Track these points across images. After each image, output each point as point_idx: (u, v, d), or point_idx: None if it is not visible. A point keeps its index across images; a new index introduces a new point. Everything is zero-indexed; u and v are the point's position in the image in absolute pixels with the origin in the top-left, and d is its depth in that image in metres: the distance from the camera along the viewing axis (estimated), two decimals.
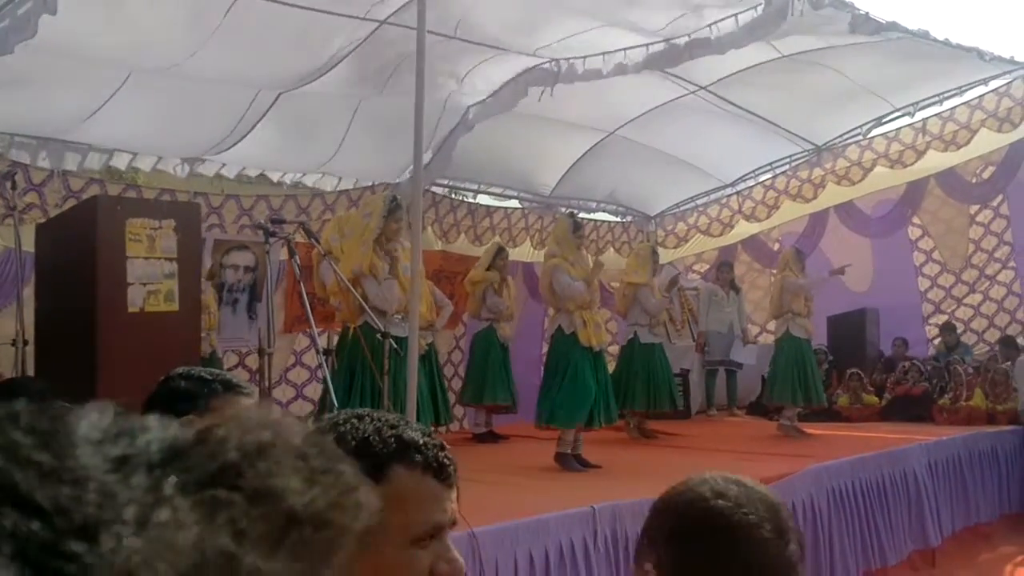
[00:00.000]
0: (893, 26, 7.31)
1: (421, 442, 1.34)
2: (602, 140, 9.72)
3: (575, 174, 10.24)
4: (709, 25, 6.73)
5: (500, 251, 8.81)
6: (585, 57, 7.26)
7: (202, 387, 2.13)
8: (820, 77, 8.56)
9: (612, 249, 11.40)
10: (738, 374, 10.29)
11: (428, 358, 7.56)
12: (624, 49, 7.13)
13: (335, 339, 6.40)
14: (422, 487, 1.33)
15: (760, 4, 6.27)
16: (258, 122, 7.35)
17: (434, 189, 9.51)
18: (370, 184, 8.87)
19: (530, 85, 7.59)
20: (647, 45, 7.07)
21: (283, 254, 6.14)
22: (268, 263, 5.23)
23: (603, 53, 7.18)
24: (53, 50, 5.49)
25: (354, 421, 1.35)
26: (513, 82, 7.72)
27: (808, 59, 8.17)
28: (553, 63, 7.43)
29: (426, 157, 7.66)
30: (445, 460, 1.35)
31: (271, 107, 7.27)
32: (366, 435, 1.33)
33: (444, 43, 6.50)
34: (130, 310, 4.59)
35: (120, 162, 7.37)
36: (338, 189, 8.79)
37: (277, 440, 0.45)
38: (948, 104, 9.78)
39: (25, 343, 5.15)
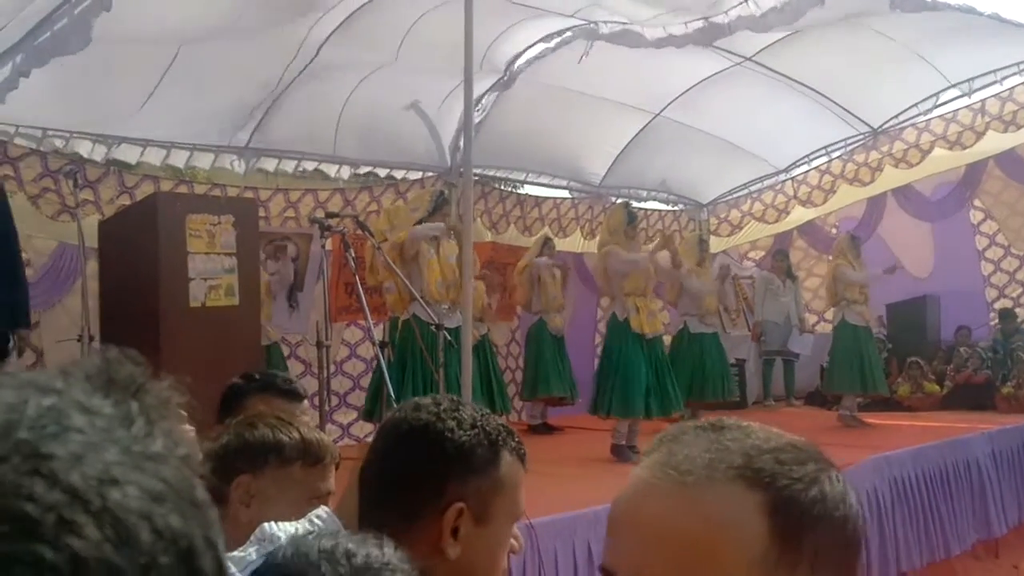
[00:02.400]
0: (936, 5, 7.10)
1: (511, 431, 1.47)
2: (649, 123, 9.62)
3: (624, 162, 10.17)
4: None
5: (547, 241, 8.80)
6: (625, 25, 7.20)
7: (244, 387, 2.20)
8: (869, 42, 8.34)
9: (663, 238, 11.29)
10: (796, 364, 10.16)
11: (482, 349, 7.59)
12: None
13: (387, 330, 6.45)
14: (519, 472, 1.46)
15: None
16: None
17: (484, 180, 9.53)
18: (419, 177, 8.91)
19: (570, 41, 7.54)
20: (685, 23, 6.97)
21: (328, 245, 6.22)
22: (323, 256, 5.27)
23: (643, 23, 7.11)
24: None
25: (460, 408, 1.45)
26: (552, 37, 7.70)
27: (855, 20, 7.93)
28: (593, 24, 7.39)
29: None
30: (525, 450, 1.48)
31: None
32: (478, 422, 1.44)
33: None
34: (192, 305, 4.66)
35: (178, 159, 7.47)
36: (386, 181, 8.85)
37: None
38: (1007, 84, 9.54)
39: (91, 339, 5.25)
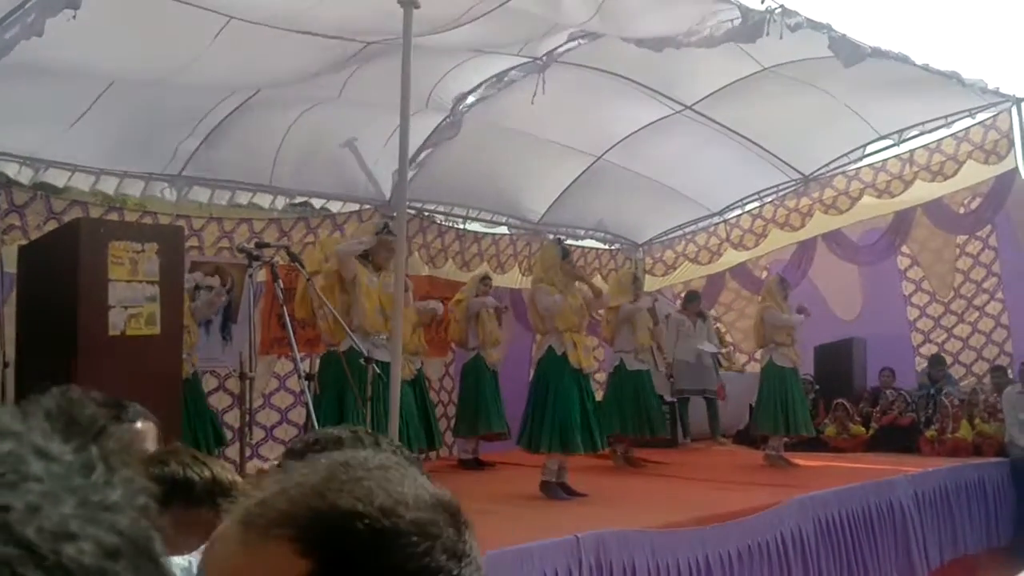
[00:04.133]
0: (875, 53, 7.27)
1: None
2: (591, 166, 9.74)
3: (564, 201, 10.27)
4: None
5: (484, 278, 8.83)
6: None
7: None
8: (803, 95, 8.56)
9: (599, 276, 11.40)
10: (718, 403, 10.24)
11: (417, 383, 7.51)
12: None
13: (317, 363, 6.36)
14: None
15: (736, 18, 6.22)
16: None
17: (423, 215, 9.52)
18: (356, 209, 8.86)
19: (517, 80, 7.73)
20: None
21: (262, 276, 6.08)
22: (251, 287, 5.19)
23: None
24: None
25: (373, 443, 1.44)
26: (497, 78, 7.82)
27: (790, 72, 8.14)
28: (538, 60, 7.51)
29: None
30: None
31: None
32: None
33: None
34: (111, 333, 4.56)
35: (108, 185, 7.32)
36: (322, 213, 8.78)
37: None
38: (935, 136, 9.84)
39: (6, 365, 5.11)
